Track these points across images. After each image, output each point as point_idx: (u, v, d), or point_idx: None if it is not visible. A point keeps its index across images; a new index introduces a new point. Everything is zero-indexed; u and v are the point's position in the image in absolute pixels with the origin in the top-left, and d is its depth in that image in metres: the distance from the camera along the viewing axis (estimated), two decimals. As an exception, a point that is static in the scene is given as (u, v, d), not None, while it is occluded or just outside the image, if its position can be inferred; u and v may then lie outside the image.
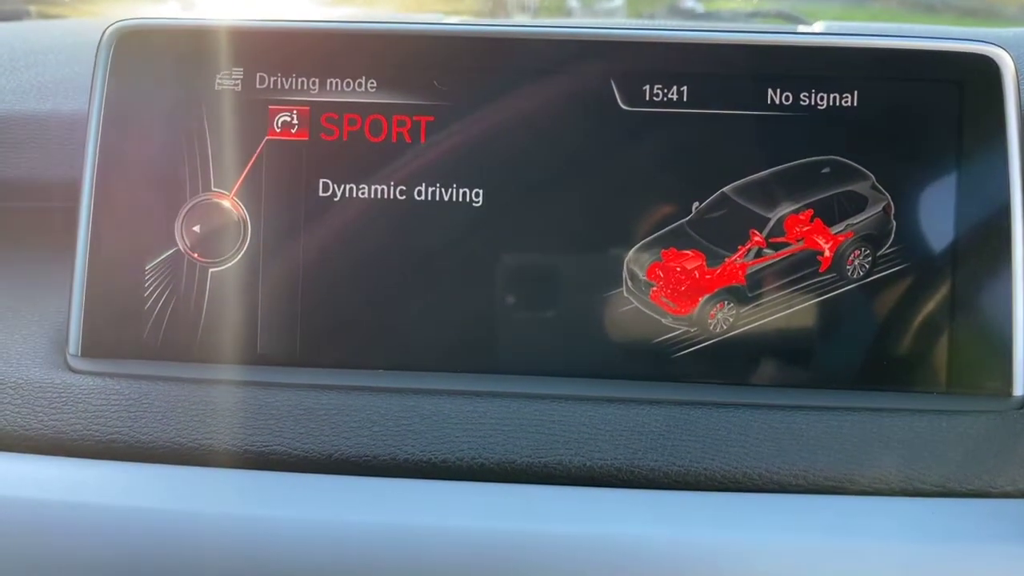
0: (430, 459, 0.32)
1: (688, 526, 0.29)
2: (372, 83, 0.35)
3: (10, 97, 0.45)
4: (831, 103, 0.34)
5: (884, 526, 0.30)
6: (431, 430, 0.32)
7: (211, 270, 0.35)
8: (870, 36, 0.35)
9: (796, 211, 0.35)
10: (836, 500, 0.31)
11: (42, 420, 0.33)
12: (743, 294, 0.35)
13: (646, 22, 0.36)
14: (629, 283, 0.35)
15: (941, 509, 0.31)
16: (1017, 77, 0.34)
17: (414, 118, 0.35)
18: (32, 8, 0.87)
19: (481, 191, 0.35)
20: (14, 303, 0.39)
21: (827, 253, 0.35)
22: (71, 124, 0.42)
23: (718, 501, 0.30)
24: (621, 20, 0.36)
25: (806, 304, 0.34)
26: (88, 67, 0.37)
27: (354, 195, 0.35)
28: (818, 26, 0.51)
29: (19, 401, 0.34)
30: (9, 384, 0.34)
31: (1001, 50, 0.34)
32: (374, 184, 0.35)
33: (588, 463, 0.31)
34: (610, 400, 0.33)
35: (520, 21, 0.36)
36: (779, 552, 0.28)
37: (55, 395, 0.34)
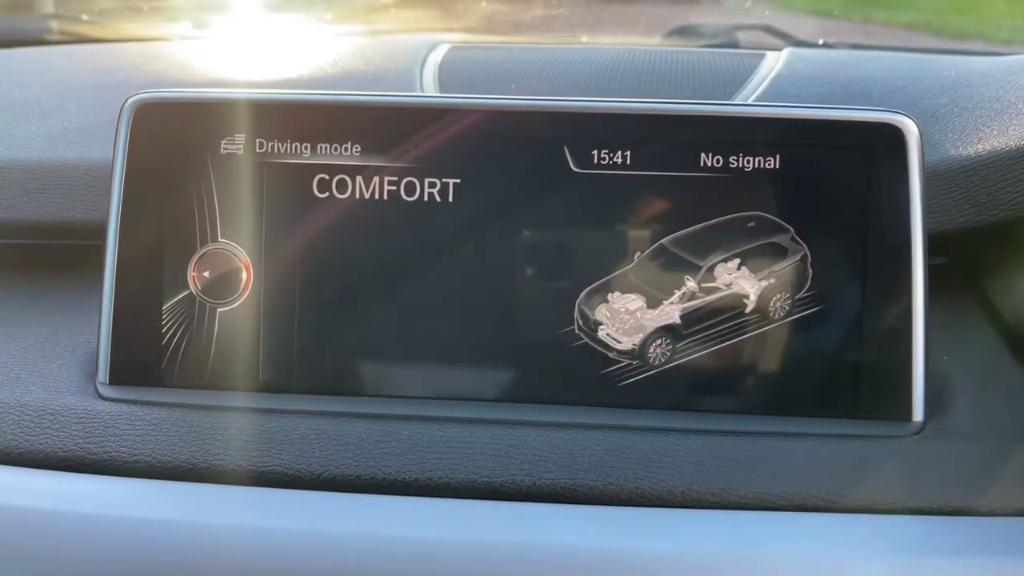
0: (404, 479, 0.37)
1: (618, 538, 0.35)
2: (356, 148, 0.40)
3: (40, 144, 0.50)
4: (756, 165, 0.39)
5: (786, 538, 0.35)
6: (406, 453, 0.38)
7: (219, 310, 0.41)
8: (791, 107, 0.40)
9: (725, 260, 0.40)
10: (748, 515, 0.36)
11: (76, 442, 0.39)
12: (678, 332, 0.40)
13: (594, 98, 0.41)
14: (580, 322, 0.40)
15: (839, 524, 0.36)
16: (921, 142, 0.38)
17: (394, 178, 0.40)
18: (54, 25, 0.92)
19: (451, 242, 0.40)
20: (50, 333, 0.45)
21: (752, 297, 0.40)
22: (95, 171, 0.48)
23: (645, 516, 0.36)
24: (573, 97, 0.41)
25: (732, 341, 0.40)
26: (108, 116, 0.42)
27: (341, 246, 0.40)
28: (747, 97, 0.55)
29: (57, 426, 0.39)
30: (48, 410, 0.40)
31: (906, 118, 0.39)
32: (358, 237, 0.40)
33: (537, 482, 0.37)
34: (559, 425, 0.39)
35: (485, 96, 0.41)
36: (692, 560, 0.34)
37: (87, 420, 0.40)
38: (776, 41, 0.83)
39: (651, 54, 0.64)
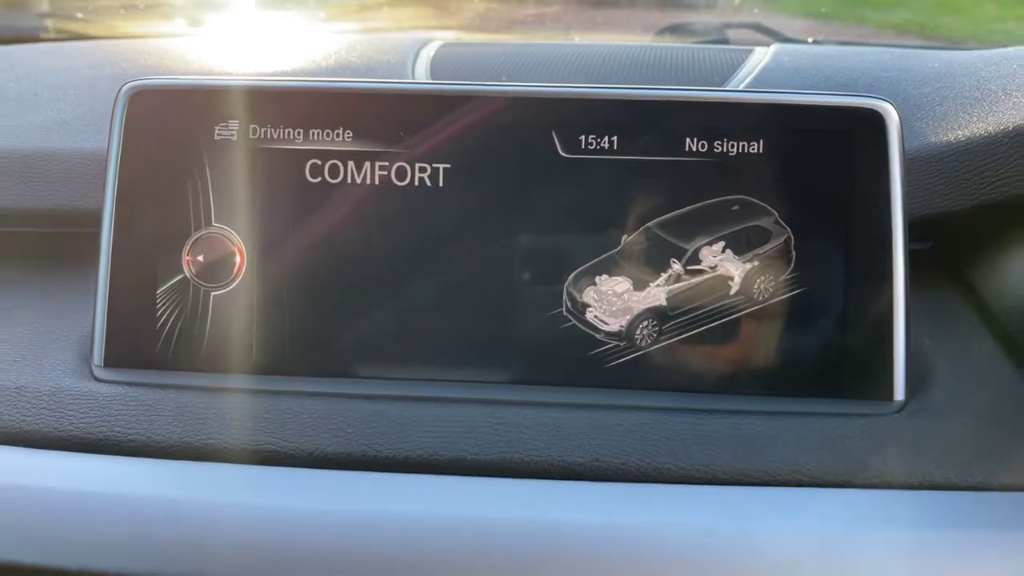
0: (394, 456, 0.38)
1: (605, 513, 0.35)
2: (348, 133, 0.41)
3: (38, 134, 0.51)
4: (740, 150, 0.40)
5: (769, 512, 0.36)
6: (395, 431, 0.38)
7: (213, 293, 0.42)
8: (774, 93, 0.40)
9: (710, 243, 0.40)
10: (732, 491, 0.37)
11: (72, 422, 0.39)
12: (664, 313, 0.41)
13: (582, 85, 0.41)
14: (568, 304, 0.41)
15: (823, 498, 0.37)
16: (901, 127, 0.39)
17: (386, 163, 0.41)
18: (49, 23, 0.93)
19: (442, 226, 0.41)
20: (45, 318, 0.45)
21: (736, 279, 0.40)
22: (91, 160, 0.48)
23: (631, 491, 0.36)
24: (562, 83, 0.42)
25: (718, 322, 0.40)
26: (103, 106, 0.43)
27: (333, 231, 0.41)
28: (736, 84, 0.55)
29: (52, 406, 0.40)
30: (44, 392, 0.41)
31: (886, 103, 0.39)
32: (350, 221, 0.41)
33: (525, 459, 0.38)
34: (548, 405, 0.39)
35: (475, 82, 0.42)
36: (678, 533, 0.34)
37: (83, 401, 0.40)
38: (765, 38, 0.84)
39: (642, 50, 0.65)
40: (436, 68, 0.60)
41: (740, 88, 0.54)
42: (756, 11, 1.02)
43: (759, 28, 0.88)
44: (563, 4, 0.88)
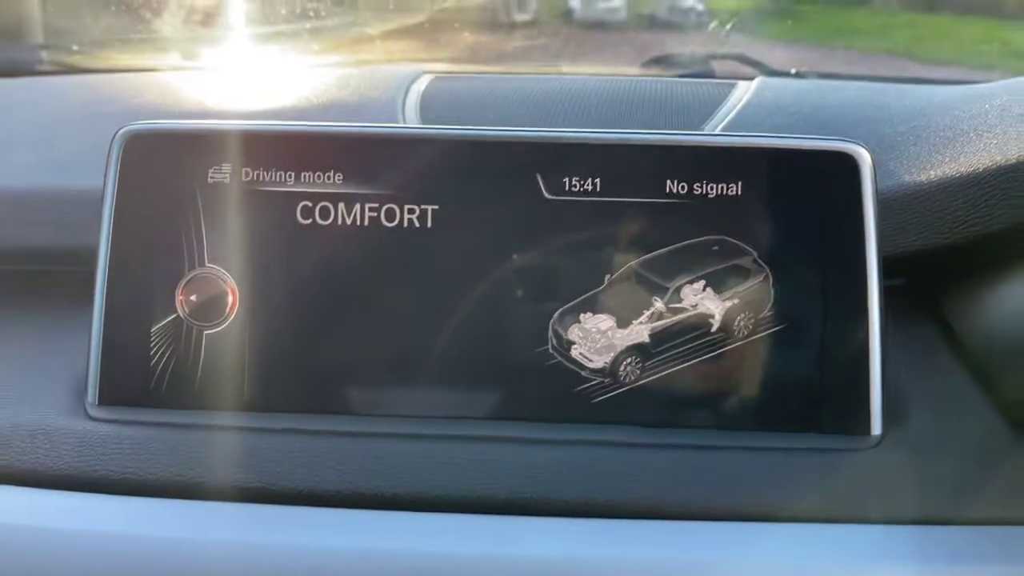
0: (384, 494, 0.39)
1: (589, 548, 0.36)
2: (339, 176, 0.42)
3: (32, 173, 0.52)
4: (719, 192, 0.41)
5: (750, 547, 0.37)
6: (387, 468, 0.39)
7: (206, 332, 0.42)
8: (751, 137, 0.42)
9: (691, 281, 0.42)
10: (714, 525, 0.38)
11: (66, 461, 0.40)
12: (647, 350, 0.42)
13: (565, 129, 0.43)
14: (554, 341, 0.42)
15: (801, 533, 0.38)
16: (874, 169, 0.41)
17: (375, 205, 0.42)
18: (45, 55, 0.94)
19: (432, 266, 0.42)
20: (39, 356, 0.46)
21: (717, 316, 0.41)
22: (85, 199, 0.49)
23: (615, 527, 0.37)
24: (545, 128, 0.43)
25: (699, 359, 0.41)
26: (97, 145, 0.44)
27: (324, 271, 0.42)
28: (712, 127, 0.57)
29: (48, 445, 0.41)
30: (39, 430, 0.41)
31: (859, 147, 0.41)
32: (340, 261, 0.42)
33: (511, 496, 0.38)
34: (534, 441, 0.40)
35: (462, 126, 0.43)
36: (658, 569, 0.35)
37: (77, 439, 0.41)
38: (750, 70, 0.85)
39: (627, 83, 0.66)
40: (426, 103, 0.61)
41: (719, 129, 0.55)
42: (746, 38, 1.04)
43: (743, 59, 0.90)
44: (550, 36, 0.90)
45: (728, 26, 1.04)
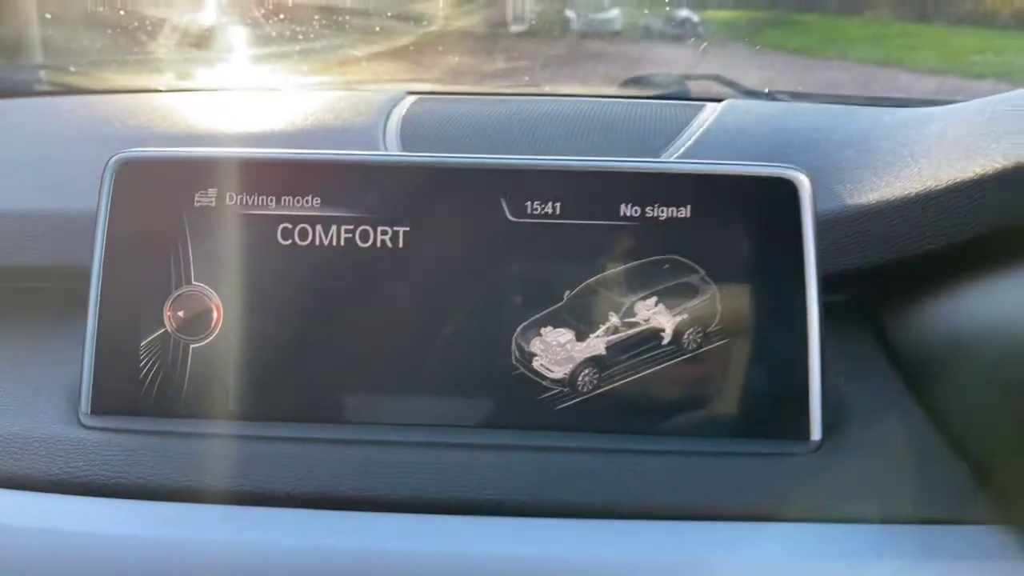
0: (359, 496, 0.41)
1: (545, 546, 0.39)
2: (317, 200, 0.45)
3: (32, 195, 0.55)
4: (670, 215, 0.44)
5: (694, 544, 0.40)
6: (361, 473, 0.42)
7: (192, 346, 0.45)
8: (699, 164, 0.45)
9: (644, 298, 0.45)
10: (661, 524, 0.40)
11: (61, 467, 0.43)
12: (604, 362, 0.45)
13: (528, 156, 0.46)
14: (517, 354, 0.45)
15: (741, 532, 0.40)
16: (812, 194, 0.44)
17: (351, 226, 0.45)
18: (43, 75, 0.97)
19: (401, 283, 0.45)
20: (34, 369, 0.49)
21: (668, 330, 0.44)
22: (79, 220, 0.52)
23: (570, 527, 0.40)
24: (510, 156, 0.46)
25: (651, 369, 0.44)
26: (91, 169, 0.47)
27: (303, 288, 0.45)
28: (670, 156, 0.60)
29: (44, 452, 0.43)
30: (35, 438, 0.44)
31: (799, 173, 0.44)
32: (318, 280, 0.45)
33: (476, 498, 0.41)
34: (498, 447, 0.43)
35: (432, 154, 0.46)
36: (608, 566, 0.38)
37: (71, 446, 0.44)
38: (725, 90, 0.89)
39: (602, 105, 0.70)
40: (406, 126, 0.65)
41: (681, 151, 0.58)
42: (739, 50, 1.07)
43: (718, 80, 0.93)
44: (530, 58, 0.93)
45: (702, 46, 1.07)
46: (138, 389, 0.45)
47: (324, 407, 0.45)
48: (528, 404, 0.44)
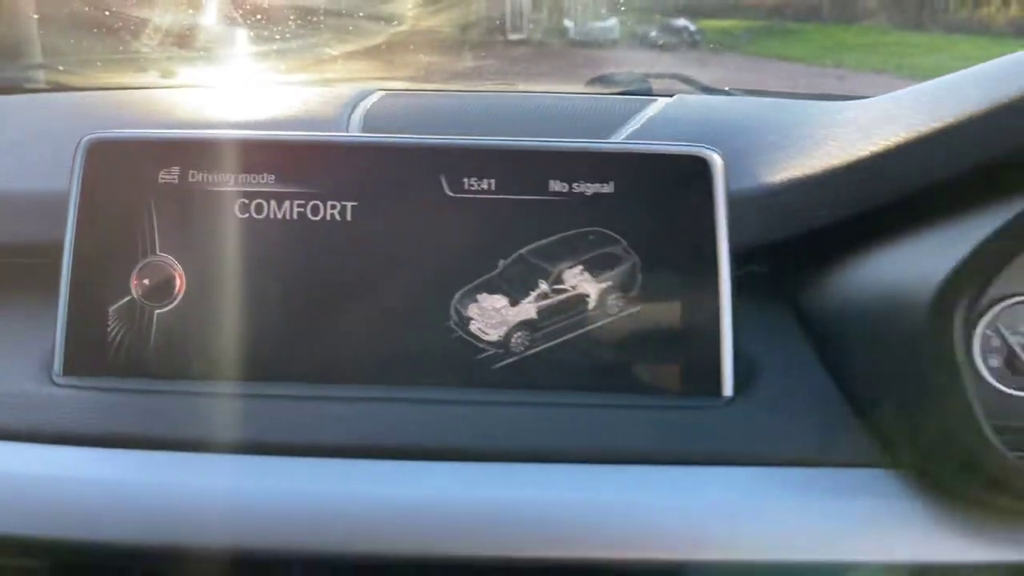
0: (305, 443, 0.45)
1: (478, 488, 0.43)
2: (271, 177, 0.49)
3: (19, 176, 0.59)
4: (596, 190, 0.48)
5: (611, 485, 0.43)
6: (308, 424, 0.46)
7: (156, 311, 0.49)
8: (620, 143, 0.49)
9: (571, 266, 0.49)
10: (583, 467, 0.44)
11: (37, 418, 0.47)
12: (534, 325, 0.49)
13: (465, 136, 0.50)
14: (455, 318, 0.49)
15: (657, 474, 0.44)
16: (724, 171, 0.48)
17: (302, 201, 0.49)
18: (32, 73, 1.01)
19: (350, 253, 0.49)
20: (11, 337, 0.53)
21: (593, 296, 0.48)
22: (52, 200, 0.56)
23: (502, 469, 0.44)
24: (450, 135, 0.50)
25: (578, 332, 0.48)
26: (64, 154, 0.51)
27: (258, 258, 0.49)
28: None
29: (18, 405, 0.47)
30: (12, 395, 0.48)
31: (712, 152, 0.48)
32: (272, 250, 0.49)
33: (417, 444, 0.45)
34: (438, 401, 0.47)
35: (377, 134, 0.50)
36: (539, 505, 0.42)
37: (45, 401, 0.47)
38: (685, 87, 0.93)
39: (564, 100, 0.74)
40: (370, 118, 0.69)
41: (624, 138, 0.63)
42: (736, 58, 1.11)
43: (679, 78, 0.98)
44: (498, 58, 0.97)
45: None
46: (107, 351, 0.49)
47: (277, 367, 0.49)
48: (467, 364, 0.48)
